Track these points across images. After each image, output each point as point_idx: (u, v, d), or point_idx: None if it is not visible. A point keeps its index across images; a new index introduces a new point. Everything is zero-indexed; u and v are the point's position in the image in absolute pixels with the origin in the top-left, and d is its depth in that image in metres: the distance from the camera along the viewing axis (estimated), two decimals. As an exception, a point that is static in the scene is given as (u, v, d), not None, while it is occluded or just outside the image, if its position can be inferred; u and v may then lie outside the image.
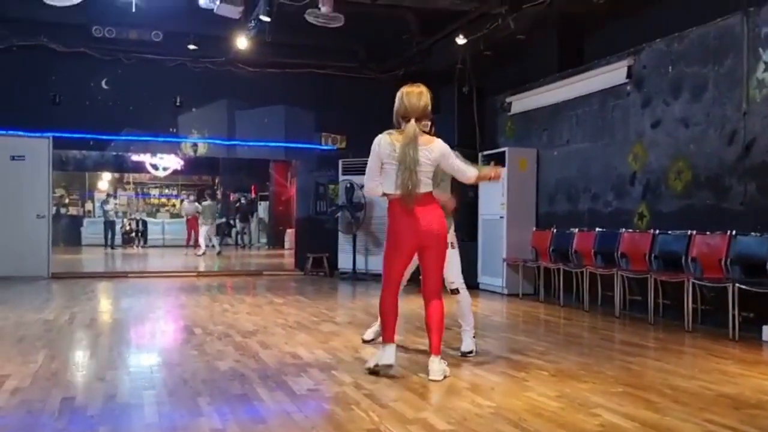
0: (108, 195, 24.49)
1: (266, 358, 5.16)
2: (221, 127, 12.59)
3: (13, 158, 11.40)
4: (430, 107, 4.56)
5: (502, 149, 9.86)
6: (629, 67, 8.07)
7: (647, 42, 7.85)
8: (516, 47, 9.94)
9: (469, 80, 10.73)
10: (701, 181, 7.09)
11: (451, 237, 5.14)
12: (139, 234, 23.74)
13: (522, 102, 10.15)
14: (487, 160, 9.41)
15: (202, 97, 12.38)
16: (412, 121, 4.45)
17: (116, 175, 26.99)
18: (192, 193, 22.66)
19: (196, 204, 20.31)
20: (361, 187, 11.64)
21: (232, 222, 23.60)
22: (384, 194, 4.57)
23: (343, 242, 12.26)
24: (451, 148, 4.65)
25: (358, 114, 12.21)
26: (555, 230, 9.08)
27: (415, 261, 4.77)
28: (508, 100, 10.43)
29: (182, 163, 24.22)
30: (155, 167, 24.94)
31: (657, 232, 7.42)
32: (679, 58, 7.40)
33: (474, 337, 5.33)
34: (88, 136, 12.01)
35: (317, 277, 12.45)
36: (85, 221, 24.36)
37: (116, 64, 11.78)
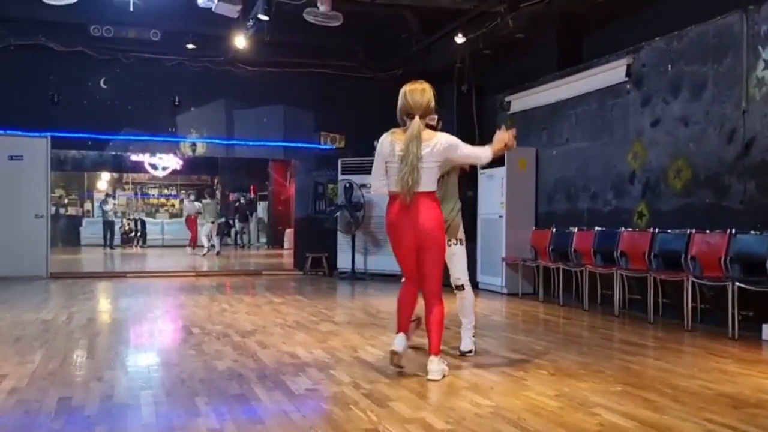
0: (107, 195, 24.47)
1: (264, 357, 5.15)
2: (220, 127, 12.57)
3: (11, 158, 11.38)
4: (433, 103, 4.56)
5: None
6: (628, 66, 8.06)
7: (646, 40, 7.84)
8: (515, 46, 9.93)
9: (469, 79, 10.72)
10: (701, 179, 7.07)
11: (460, 234, 5.14)
12: (138, 234, 23.73)
13: (521, 101, 10.14)
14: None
15: (201, 97, 12.37)
16: (417, 117, 4.44)
17: (115, 175, 26.99)
18: (192, 192, 22.65)
19: (197, 203, 20.30)
20: (360, 186, 11.73)
21: (231, 222, 23.59)
22: (388, 192, 4.59)
23: (342, 242, 12.25)
24: None
25: (357, 113, 12.21)
26: (554, 229, 9.06)
27: None
28: (507, 99, 10.42)
29: (181, 162, 24.22)
30: (154, 167, 24.94)
31: (656, 230, 7.41)
32: (679, 56, 7.39)
33: (473, 336, 5.32)
34: (87, 135, 11.99)
35: (316, 276, 12.44)
36: (84, 221, 24.35)
37: (115, 63, 11.77)
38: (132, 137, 12.25)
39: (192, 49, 11.79)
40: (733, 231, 6.46)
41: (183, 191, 27.40)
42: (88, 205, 26.63)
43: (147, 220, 24.81)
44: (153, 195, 28.47)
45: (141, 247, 22.97)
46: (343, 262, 12.20)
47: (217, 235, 19.03)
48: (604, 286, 8.03)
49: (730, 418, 3.63)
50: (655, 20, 8.06)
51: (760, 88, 6.43)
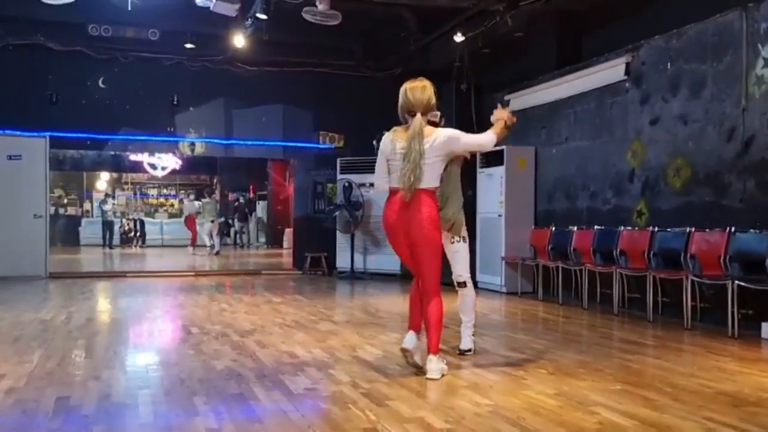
0: (106, 195, 24.46)
1: (263, 357, 5.14)
2: (219, 126, 12.56)
3: (9, 158, 11.37)
4: (434, 100, 4.56)
5: (500, 147, 9.81)
6: (628, 64, 8.04)
7: (646, 39, 7.83)
8: (514, 44, 9.92)
9: (467, 78, 10.70)
10: (700, 178, 7.06)
11: (463, 231, 5.14)
12: (137, 234, 23.71)
13: (520, 99, 10.12)
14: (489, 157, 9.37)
15: (200, 96, 12.35)
16: (418, 115, 4.44)
17: (114, 174, 26.97)
18: (191, 192, 22.64)
19: (196, 202, 20.27)
20: (359, 186, 11.72)
21: (230, 221, 23.58)
22: (389, 188, 4.60)
23: (342, 241, 12.24)
24: None
25: (356, 112, 12.20)
26: (554, 228, 9.06)
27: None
28: (506, 97, 10.39)
29: (180, 162, 24.20)
30: (153, 167, 24.93)
31: (656, 229, 7.40)
32: (678, 54, 7.38)
33: (473, 335, 5.31)
34: (86, 135, 11.99)
35: (315, 276, 12.43)
36: (83, 221, 24.32)
37: (113, 62, 11.76)
38: (131, 137, 12.24)
39: (190, 48, 11.77)
40: (733, 229, 6.45)
41: (182, 191, 27.37)
42: (87, 205, 26.61)
43: (146, 220, 24.80)
44: (152, 195, 28.45)
45: (140, 247, 22.95)
46: (342, 261, 12.19)
47: (217, 234, 19.01)
48: (604, 285, 8.02)
49: (730, 416, 3.62)
50: (654, 18, 8.05)
51: (759, 86, 6.41)
